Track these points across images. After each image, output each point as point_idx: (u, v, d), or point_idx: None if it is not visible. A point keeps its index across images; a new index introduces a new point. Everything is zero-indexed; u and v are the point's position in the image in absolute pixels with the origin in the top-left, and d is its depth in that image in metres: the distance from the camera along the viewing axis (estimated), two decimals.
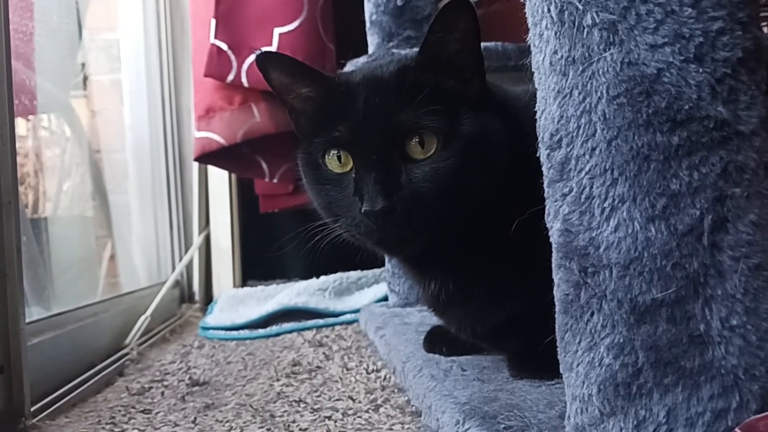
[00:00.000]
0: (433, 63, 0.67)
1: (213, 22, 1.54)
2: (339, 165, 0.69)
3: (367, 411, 0.78)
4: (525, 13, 0.51)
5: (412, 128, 0.66)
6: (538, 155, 0.51)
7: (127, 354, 1.18)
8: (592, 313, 0.46)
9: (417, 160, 0.66)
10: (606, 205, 0.45)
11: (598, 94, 0.45)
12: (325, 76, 0.74)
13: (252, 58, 1.50)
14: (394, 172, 0.65)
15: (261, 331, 1.36)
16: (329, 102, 0.71)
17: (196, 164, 1.84)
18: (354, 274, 1.61)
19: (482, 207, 0.67)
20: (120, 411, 0.86)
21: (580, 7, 0.45)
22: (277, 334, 1.33)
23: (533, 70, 0.51)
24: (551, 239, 0.50)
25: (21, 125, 1.32)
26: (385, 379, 0.91)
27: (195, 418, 0.80)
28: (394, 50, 1.20)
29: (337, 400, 0.84)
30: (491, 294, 0.72)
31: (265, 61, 0.73)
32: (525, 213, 0.57)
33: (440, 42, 0.67)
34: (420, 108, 0.66)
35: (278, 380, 0.96)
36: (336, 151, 0.69)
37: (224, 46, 1.53)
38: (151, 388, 0.96)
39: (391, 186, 0.65)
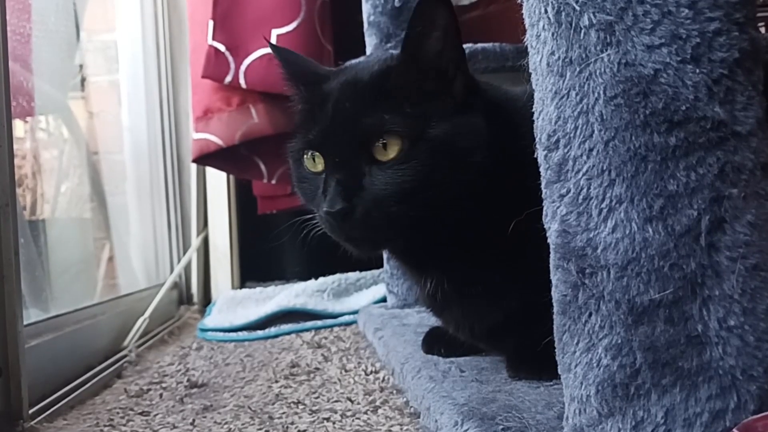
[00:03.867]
0: (415, 62, 0.68)
1: (211, 23, 1.53)
2: (314, 164, 0.71)
3: (365, 412, 0.78)
4: (522, 14, 0.51)
5: (375, 131, 0.66)
6: (534, 155, 0.51)
7: (125, 356, 1.18)
8: (590, 314, 0.46)
9: (382, 162, 0.66)
10: (603, 206, 0.45)
11: (596, 95, 0.45)
12: (321, 73, 0.76)
13: (250, 59, 1.50)
14: (358, 174, 0.66)
15: (259, 333, 1.36)
16: (314, 101, 0.73)
17: (194, 165, 1.84)
18: (352, 276, 1.61)
19: (463, 207, 0.67)
20: (118, 413, 0.85)
21: (577, 8, 0.45)
22: (276, 336, 1.33)
23: (531, 71, 0.51)
24: (549, 240, 0.50)
25: (19, 127, 1.32)
26: (383, 380, 0.91)
27: (193, 420, 0.80)
28: (392, 51, 1.20)
29: (336, 401, 0.83)
30: (487, 293, 0.72)
31: (278, 51, 0.78)
32: (518, 213, 0.57)
33: (419, 40, 0.67)
34: (389, 110, 0.66)
35: (277, 382, 0.96)
36: (310, 152, 0.71)
37: (222, 48, 1.53)
38: (149, 390, 0.96)
39: (353, 188, 0.66)
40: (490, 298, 0.72)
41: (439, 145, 0.66)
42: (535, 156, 0.51)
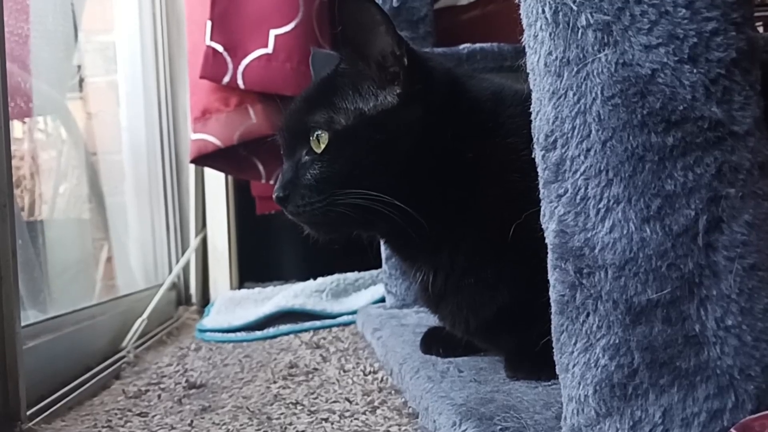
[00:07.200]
0: (352, 58, 0.71)
1: (209, 23, 1.53)
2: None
3: (364, 413, 0.78)
4: (520, 13, 0.51)
5: (305, 126, 0.71)
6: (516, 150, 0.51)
7: (123, 357, 1.18)
8: (588, 314, 0.46)
9: (315, 154, 0.70)
10: (601, 206, 0.45)
11: (593, 95, 0.45)
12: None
13: (248, 59, 1.50)
14: (295, 166, 0.72)
15: (258, 333, 1.36)
16: None
17: (192, 166, 1.84)
18: (351, 276, 1.61)
19: (406, 198, 0.67)
20: (116, 414, 0.85)
21: (575, 8, 0.45)
22: (274, 336, 1.33)
23: (528, 71, 0.51)
24: (547, 240, 0.50)
25: (17, 128, 1.32)
26: (382, 380, 0.91)
27: (192, 421, 0.80)
28: None
29: (334, 402, 0.83)
30: (478, 284, 0.72)
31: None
32: (495, 208, 0.60)
33: (349, 36, 0.70)
34: (325, 105, 0.70)
35: (275, 382, 0.96)
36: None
37: (220, 48, 1.53)
38: (147, 390, 0.96)
39: (290, 178, 0.71)
40: (482, 291, 0.72)
41: (355, 137, 0.69)
42: (520, 152, 0.51)
